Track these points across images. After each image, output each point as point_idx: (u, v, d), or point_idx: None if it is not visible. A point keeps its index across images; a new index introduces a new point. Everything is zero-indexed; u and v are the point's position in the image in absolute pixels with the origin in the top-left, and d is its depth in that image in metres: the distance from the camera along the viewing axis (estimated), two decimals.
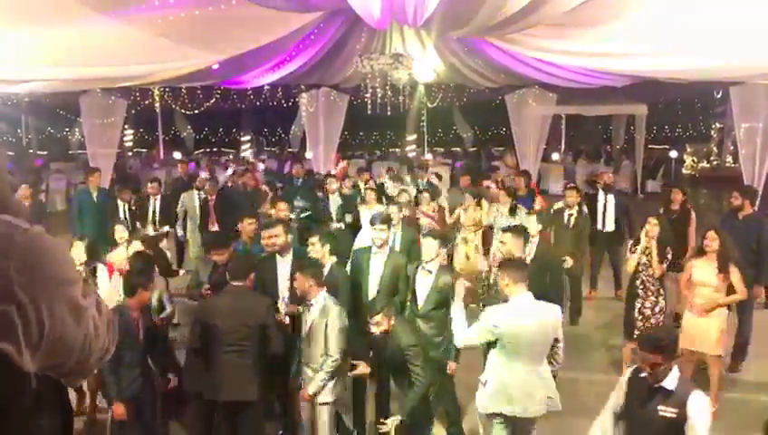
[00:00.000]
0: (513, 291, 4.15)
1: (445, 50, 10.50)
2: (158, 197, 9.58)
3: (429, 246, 5.19)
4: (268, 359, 4.70)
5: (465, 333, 4.35)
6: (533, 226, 6.55)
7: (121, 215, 9.08)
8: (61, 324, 1.08)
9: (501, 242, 5.14)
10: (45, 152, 23.40)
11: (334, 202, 9.16)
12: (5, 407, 1.05)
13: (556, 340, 4.21)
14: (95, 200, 9.33)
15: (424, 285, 5.11)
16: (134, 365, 4.54)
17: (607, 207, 8.88)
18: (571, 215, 8.04)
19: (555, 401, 4.23)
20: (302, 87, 14.78)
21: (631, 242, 6.52)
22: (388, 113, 9.69)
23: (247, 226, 6.49)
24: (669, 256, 6.24)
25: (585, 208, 8.50)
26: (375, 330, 4.49)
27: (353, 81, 12.87)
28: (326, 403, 4.65)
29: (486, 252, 8.54)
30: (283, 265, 5.40)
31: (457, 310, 4.43)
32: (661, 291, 6.17)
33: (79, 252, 5.66)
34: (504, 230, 5.45)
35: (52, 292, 1.07)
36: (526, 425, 4.25)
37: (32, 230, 1.07)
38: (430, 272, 5.10)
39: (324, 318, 4.55)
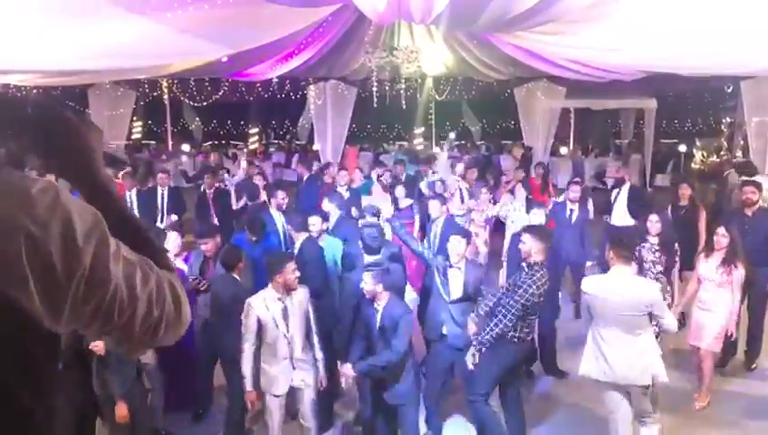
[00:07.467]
0: (613, 265, 4.43)
1: (453, 42, 10.45)
2: (167, 187, 9.58)
3: (456, 245, 5.17)
4: None
5: None
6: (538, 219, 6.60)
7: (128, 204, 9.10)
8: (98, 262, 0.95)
9: (522, 241, 5.01)
10: None
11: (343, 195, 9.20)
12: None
13: (654, 314, 4.33)
14: None
15: (455, 281, 5.12)
16: (133, 363, 4.53)
17: (618, 201, 8.76)
18: (572, 210, 7.91)
19: (659, 370, 4.35)
20: (311, 79, 14.73)
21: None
22: (403, 106, 9.61)
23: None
24: (678, 253, 6.19)
25: (590, 205, 8.45)
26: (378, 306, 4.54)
27: (361, 73, 12.82)
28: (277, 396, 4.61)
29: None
30: None
31: None
32: (668, 288, 6.10)
33: (173, 241, 5.69)
34: (525, 230, 5.15)
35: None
36: (636, 392, 4.41)
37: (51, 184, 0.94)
38: (460, 269, 5.13)
39: (304, 301, 4.59)
